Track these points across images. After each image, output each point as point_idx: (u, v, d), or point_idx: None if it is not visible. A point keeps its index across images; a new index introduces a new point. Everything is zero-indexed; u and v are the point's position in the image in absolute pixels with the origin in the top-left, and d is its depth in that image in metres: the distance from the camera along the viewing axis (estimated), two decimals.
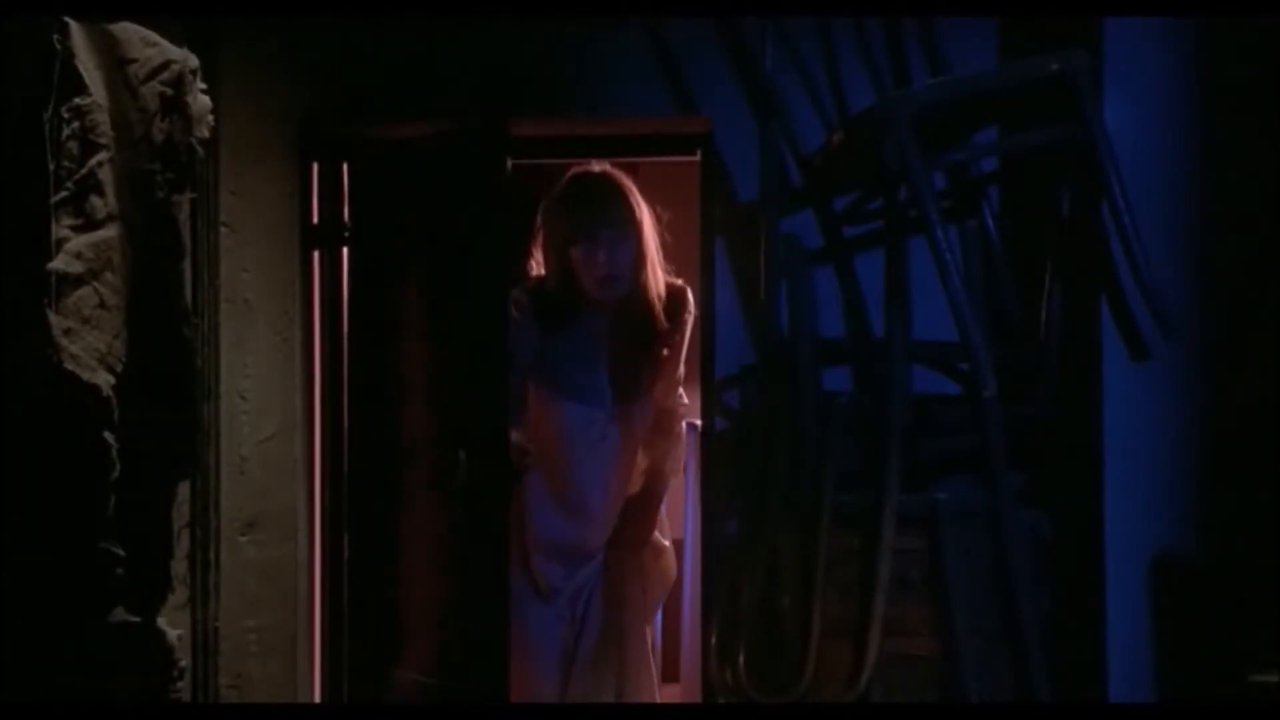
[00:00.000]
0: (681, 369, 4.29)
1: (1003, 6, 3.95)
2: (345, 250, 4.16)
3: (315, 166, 4.11)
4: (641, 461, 4.31)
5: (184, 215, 3.45)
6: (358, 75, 4.12)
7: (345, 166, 4.15)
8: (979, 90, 3.55)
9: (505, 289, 4.02)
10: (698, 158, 4.15)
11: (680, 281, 4.27)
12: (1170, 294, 3.57)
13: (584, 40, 4.09)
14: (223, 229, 3.88)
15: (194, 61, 3.39)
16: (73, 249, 3.16)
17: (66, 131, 3.18)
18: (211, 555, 3.76)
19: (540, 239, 4.22)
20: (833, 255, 4.06)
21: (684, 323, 4.21)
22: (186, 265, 3.50)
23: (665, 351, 4.22)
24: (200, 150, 3.42)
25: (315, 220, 4.11)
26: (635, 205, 4.15)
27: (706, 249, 4.11)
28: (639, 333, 4.18)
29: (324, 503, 4.13)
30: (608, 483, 4.22)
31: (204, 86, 3.42)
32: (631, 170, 4.41)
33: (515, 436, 4.08)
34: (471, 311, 3.97)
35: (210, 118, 3.45)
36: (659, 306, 4.17)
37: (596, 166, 4.24)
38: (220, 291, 3.87)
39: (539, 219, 4.21)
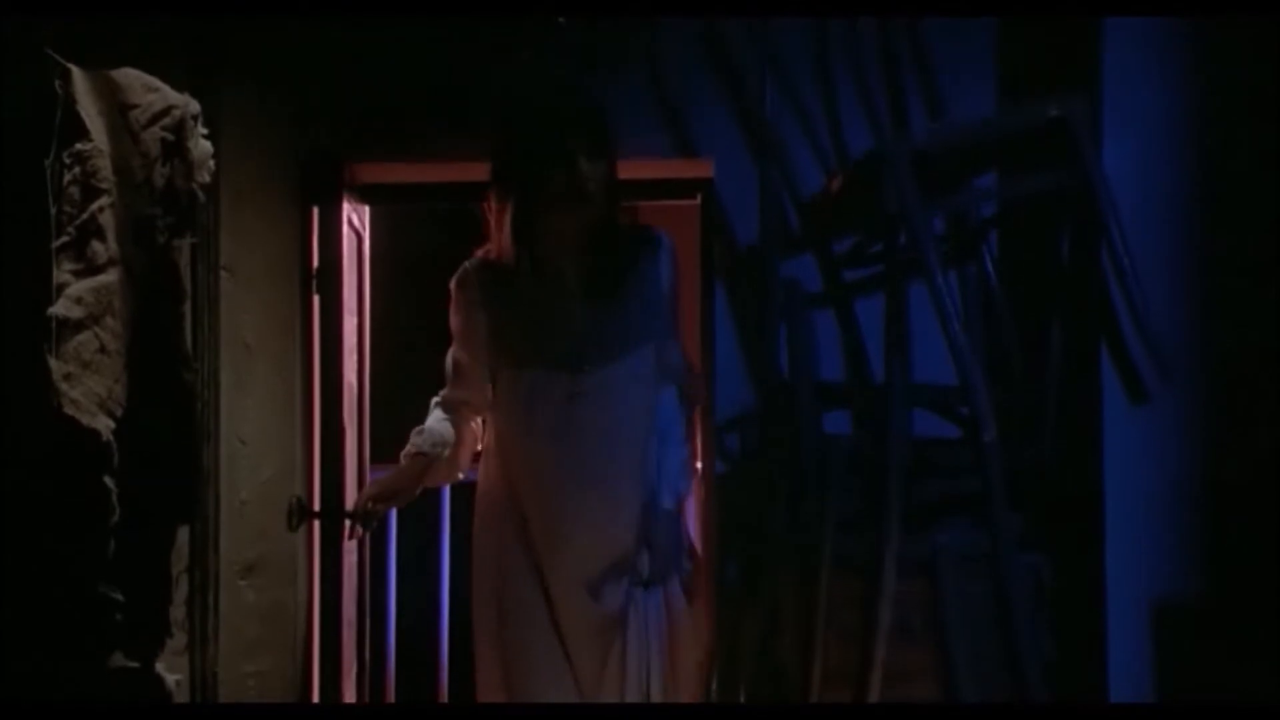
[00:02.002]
0: (678, 328, 3.77)
1: (1002, 6, 3.94)
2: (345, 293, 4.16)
3: (315, 210, 4.12)
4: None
5: (184, 259, 3.45)
6: (358, 118, 4.14)
7: (345, 210, 4.16)
8: (978, 135, 3.56)
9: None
10: (698, 201, 4.16)
11: (652, 226, 3.81)
12: (1170, 338, 3.57)
13: (585, 83, 4.10)
14: (223, 272, 3.88)
15: (195, 107, 3.40)
16: (73, 294, 3.16)
17: (68, 177, 3.19)
18: (210, 599, 3.74)
19: (496, 177, 3.65)
20: (833, 299, 4.07)
21: (660, 261, 3.68)
22: (187, 309, 3.51)
23: (644, 299, 3.68)
24: (201, 195, 3.42)
25: (315, 264, 4.12)
26: (610, 127, 3.66)
27: (707, 292, 4.11)
28: (609, 278, 3.65)
29: (323, 546, 4.12)
30: (593, 461, 3.61)
31: (205, 131, 3.43)
32: (632, 213, 4.42)
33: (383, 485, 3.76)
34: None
35: (211, 162, 3.46)
36: (627, 243, 3.68)
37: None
38: (220, 335, 3.86)
39: (497, 149, 3.66)
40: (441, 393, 3.80)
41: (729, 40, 4.11)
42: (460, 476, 3.89)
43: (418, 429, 3.78)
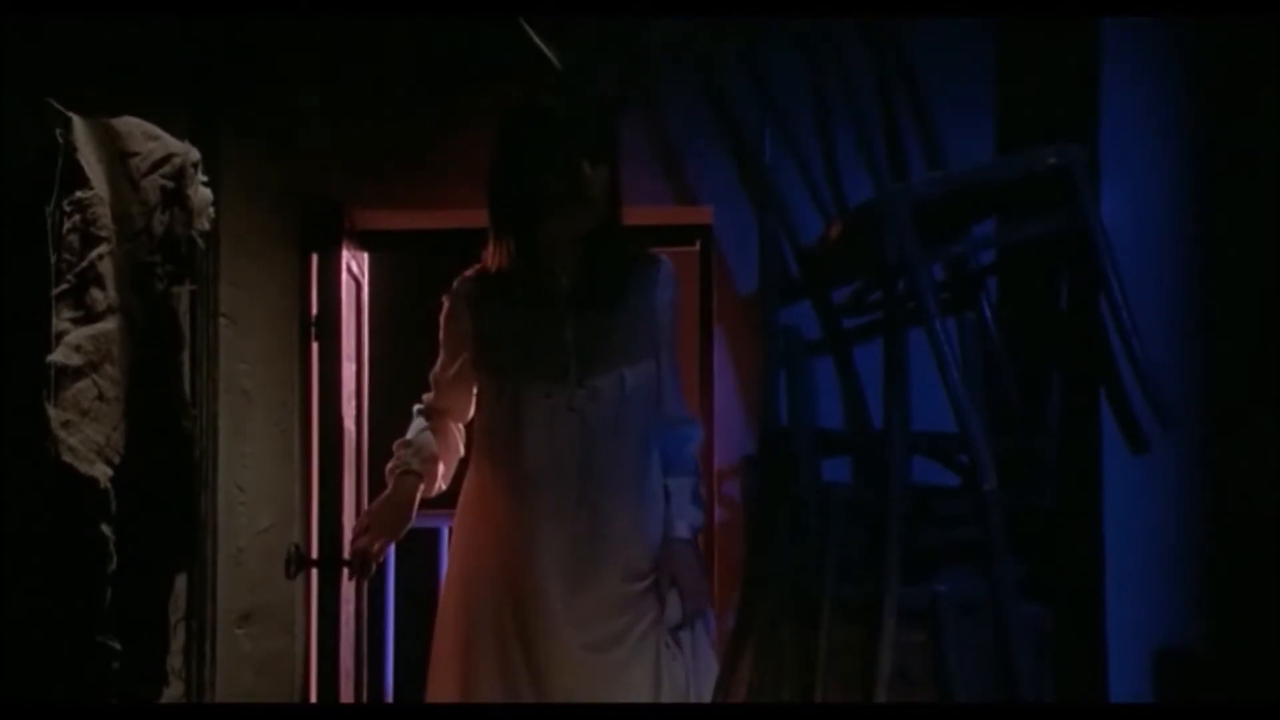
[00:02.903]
0: (675, 363, 3.56)
1: (998, 5, 3.93)
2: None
3: (314, 258, 4.12)
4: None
5: (183, 307, 3.46)
6: (357, 165, 4.15)
7: (344, 257, 4.16)
8: (977, 184, 3.56)
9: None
10: (697, 248, 4.17)
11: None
12: (1169, 386, 3.56)
13: (589, 84, 4.11)
14: (222, 320, 3.89)
15: (195, 155, 3.41)
16: (72, 341, 3.17)
17: (68, 224, 3.20)
18: (207, 649, 3.73)
19: (495, 178, 3.48)
20: (832, 346, 4.07)
21: (658, 281, 3.49)
22: (186, 357, 3.51)
23: (640, 314, 3.49)
24: (201, 242, 3.44)
25: (314, 311, 4.12)
26: (614, 134, 3.51)
27: (706, 339, 4.11)
28: (605, 288, 3.46)
29: (321, 595, 4.10)
30: (584, 481, 3.39)
31: (205, 179, 3.44)
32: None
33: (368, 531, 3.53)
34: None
35: (211, 210, 3.47)
36: (627, 256, 3.49)
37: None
38: (219, 382, 3.86)
39: (497, 150, 3.49)
40: (424, 398, 3.65)
41: (727, 88, 4.12)
42: (443, 487, 3.69)
43: (402, 441, 3.59)
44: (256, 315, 3.98)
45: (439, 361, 3.62)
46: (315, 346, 4.13)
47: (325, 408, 4.12)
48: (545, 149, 3.37)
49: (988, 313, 3.91)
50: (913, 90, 4.06)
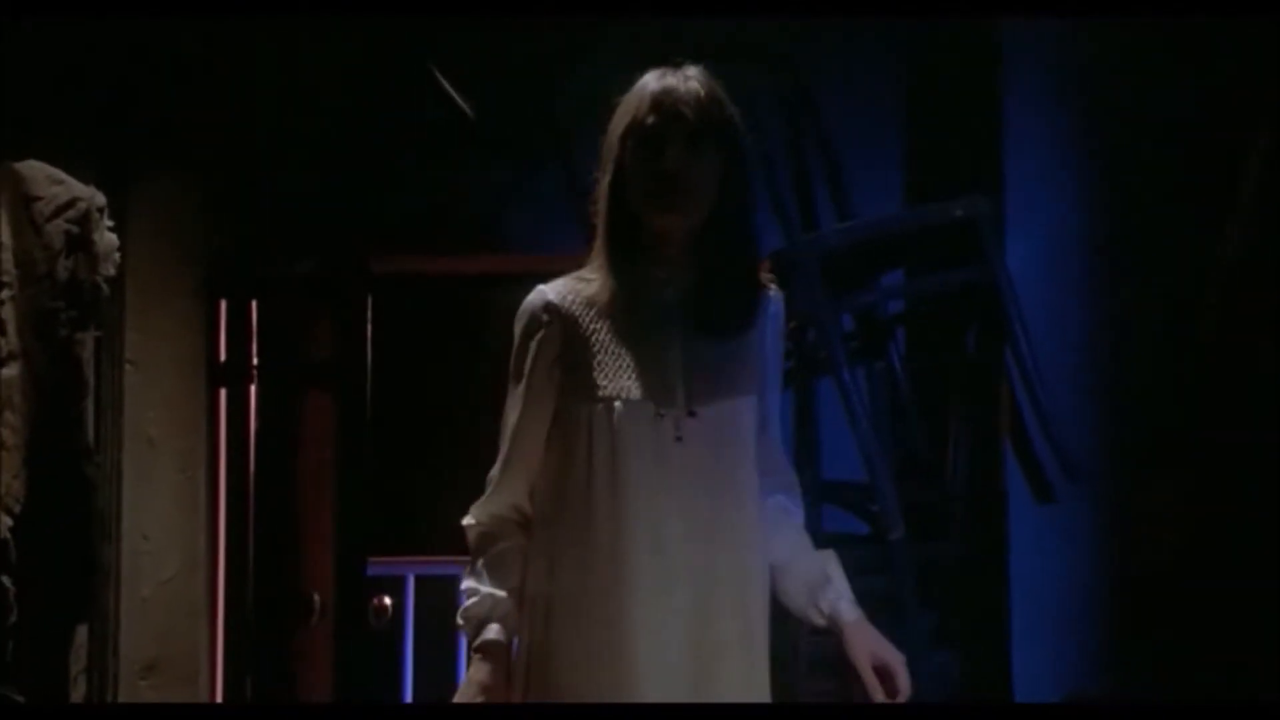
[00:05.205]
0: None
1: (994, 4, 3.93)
2: (253, 388, 4.14)
3: (223, 304, 4.10)
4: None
5: (87, 353, 3.42)
6: (268, 214, 4.13)
7: (254, 305, 4.14)
8: (885, 235, 3.60)
9: (363, 429, 4.04)
10: None
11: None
12: (1074, 436, 3.61)
13: (509, 179, 4.13)
14: (128, 366, 3.85)
15: (101, 199, 3.38)
16: None
17: None
18: (109, 700, 3.68)
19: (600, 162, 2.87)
20: None
21: (768, 312, 2.85)
22: (89, 404, 3.46)
23: (751, 343, 2.85)
24: (105, 288, 3.40)
25: (222, 358, 4.09)
26: (727, 117, 2.85)
27: None
28: (720, 307, 2.83)
29: (226, 645, 4.06)
30: (703, 519, 2.75)
31: (111, 224, 3.41)
32: None
33: None
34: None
35: (117, 255, 3.44)
36: (743, 269, 2.85)
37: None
38: (123, 430, 3.82)
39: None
40: (484, 510, 2.83)
41: None
42: None
43: (470, 588, 2.80)
44: (163, 362, 3.94)
45: (511, 409, 2.86)
46: (223, 392, 4.10)
47: (232, 456, 4.09)
48: (633, 127, 2.83)
49: (896, 362, 3.94)
50: (822, 141, 4.10)
